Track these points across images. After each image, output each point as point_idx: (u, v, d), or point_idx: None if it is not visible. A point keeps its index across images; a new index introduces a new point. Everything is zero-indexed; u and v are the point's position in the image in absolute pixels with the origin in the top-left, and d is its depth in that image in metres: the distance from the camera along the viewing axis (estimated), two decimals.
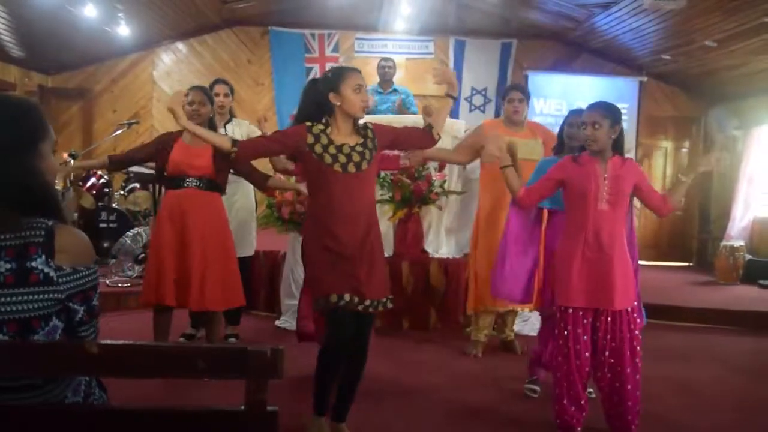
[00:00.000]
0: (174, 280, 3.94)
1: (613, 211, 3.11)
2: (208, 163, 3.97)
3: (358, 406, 3.25)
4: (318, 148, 2.98)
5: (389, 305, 3.10)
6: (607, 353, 3.13)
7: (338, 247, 2.97)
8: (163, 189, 4.38)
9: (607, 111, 3.15)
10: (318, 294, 3.01)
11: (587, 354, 3.13)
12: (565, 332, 3.13)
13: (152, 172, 6.20)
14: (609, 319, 3.12)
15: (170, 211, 3.99)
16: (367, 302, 2.98)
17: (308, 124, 3.05)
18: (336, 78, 3.04)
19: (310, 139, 3.00)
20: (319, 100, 3.05)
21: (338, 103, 3.01)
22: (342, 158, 2.98)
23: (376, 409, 3.58)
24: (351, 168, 2.99)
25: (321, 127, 3.04)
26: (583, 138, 3.18)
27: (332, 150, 2.99)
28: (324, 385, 3.08)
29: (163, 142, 4.05)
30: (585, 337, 3.12)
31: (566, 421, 3.19)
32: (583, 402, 3.18)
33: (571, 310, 3.13)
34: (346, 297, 2.93)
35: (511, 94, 4.68)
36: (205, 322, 4.40)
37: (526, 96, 4.70)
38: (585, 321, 3.13)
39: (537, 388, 3.92)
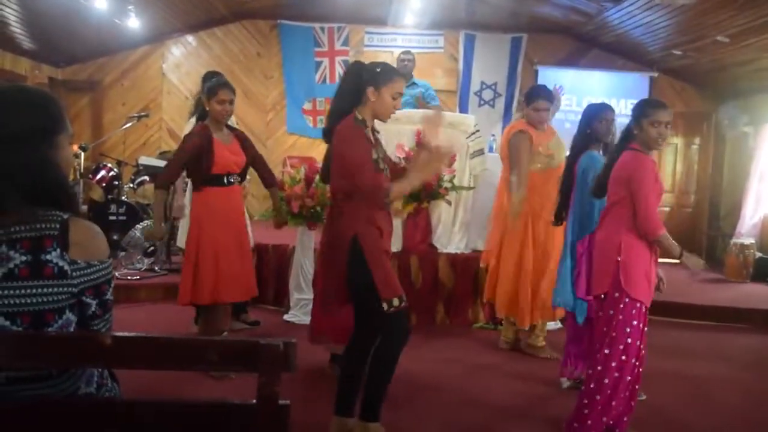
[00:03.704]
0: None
1: None
2: (244, 159, 4.17)
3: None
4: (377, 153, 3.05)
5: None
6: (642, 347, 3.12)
7: (388, 247, 3.07)
8: (188, 187, 4.62)
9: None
10: (391, 295, 2.98)
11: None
12: (636, 331, 3.04)
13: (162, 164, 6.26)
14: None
15: (225, 208, 4.10)
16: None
17: (359, 117, 3.01)
18: (383, 76, 2.99)
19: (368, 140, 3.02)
20: (358, 88, 3.01)
21: (373, 100, 2.98)
22: (382, 164, 3.04)
23: (386, 404, 3.58)
24: (384, 168, 3.05)
25: (369, 134, 3.05)
26: (656, 136, 3.09)
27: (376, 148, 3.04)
28: (387, 384, 3.09)
29: (201, 145, 4.00)
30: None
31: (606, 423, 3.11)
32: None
33: (644, 309, 3.07)
34: (404, 297, 3.02)
35: (539, 102, 4.58)
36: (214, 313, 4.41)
37: (551, 101, 4.66)
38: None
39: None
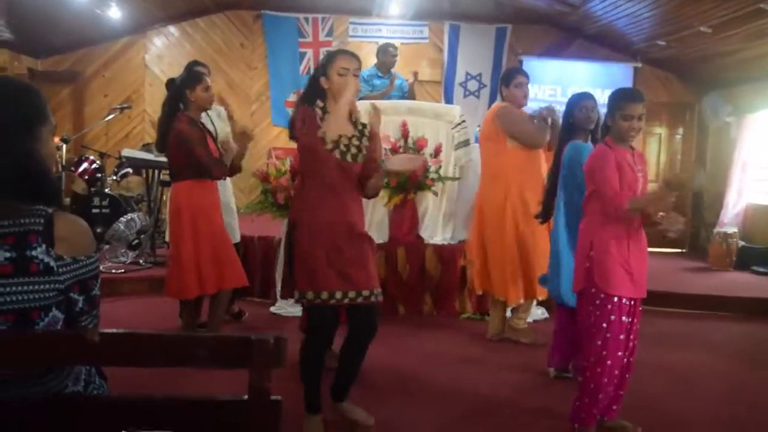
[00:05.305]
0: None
1: None
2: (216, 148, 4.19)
3: (354, 393, 3.26)
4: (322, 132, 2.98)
5: (377, 299, 3.06)
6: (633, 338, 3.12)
7: (332, 237, 2.96)
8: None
9: (645, 101, 3.08)
10: (305, 287, 2.97)
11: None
12: (614, 325, 3.00)
13: (152, 158, 6.22)
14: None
15: (217, 196, 4.19)
16: (365, 293, 2.99)
17: (320, 104, 3.00)
18: (327, 61, 3.02)
19: (318, 120, 2.97)
20: (314, 84, 3.03)
21: (327, 87, 2.99)
22: (342, 146, 2.97)
23: (372, 396, 3.58)
24: (349, 158, 2.98)
25: (319, 112, 3.02)
26: (627, 129, 3.03)
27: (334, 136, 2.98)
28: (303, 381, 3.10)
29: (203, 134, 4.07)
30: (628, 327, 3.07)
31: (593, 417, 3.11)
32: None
33: (624, 301, 3.04)
34: (338, 295, 2.94)
35: (519, 77, 4.63)
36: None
37: (528, 77, 4.71)
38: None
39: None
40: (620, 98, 3.08)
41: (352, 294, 2.96)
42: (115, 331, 1.31)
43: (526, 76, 4.70)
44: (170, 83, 4.15)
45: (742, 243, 7.88)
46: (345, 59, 2.99)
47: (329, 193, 2.98)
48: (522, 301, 4.70)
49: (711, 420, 3.50)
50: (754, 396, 3.90)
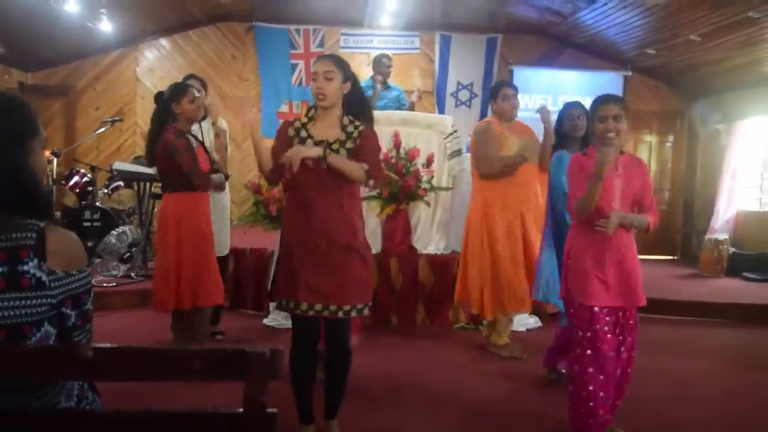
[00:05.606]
0: None
1: (623, 211, 3.03)
2: (208, 159, 4.20)
3: (348, 404, 3.25)
4: (296, 142, 2.97)
5: (359, 313, 2.99)
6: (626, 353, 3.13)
7: (307, 246, 2.92)
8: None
9: (624, 104, 3.07)
10: (279, 295, 3.00)
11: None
12: (588, 333, 2.99)
13: (146, 171, 6.19)
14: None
15: (207, 209, 4.21)
16: (332, 308, 2.91)
17: (291, 119, 3.09)
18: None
19: (291, 132, 3.02)
20: None
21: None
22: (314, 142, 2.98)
23: (366, 406, 3.57)
24: (323, 163, 2.88)
25: (304, 120, 3.04)
26: (603, 131, 2.98)
27: (310, 144, 2.97)
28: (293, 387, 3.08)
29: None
30: (609, 336, 3.03)
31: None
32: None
33: (597, 310, 3.04)
34: (303, 306, 2.91)
35: (506, 90, 4.62)
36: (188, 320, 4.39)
37: (516, 89, 4.70)
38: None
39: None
40: (595, 103, 3.13)
41: (318, 307, 2.90)
42: (107, 345, 1.29)
43: (514, 88, 4.69)
44: (158, 96, 4.16)
45: (733, 249, 7.91)
46: (315, 64, 3.01)
47: (305, 201, 2.94)
48: (501, 316, 4.66)
49: (707, 424, 3.51)
50: (751, 400, 3.91)
